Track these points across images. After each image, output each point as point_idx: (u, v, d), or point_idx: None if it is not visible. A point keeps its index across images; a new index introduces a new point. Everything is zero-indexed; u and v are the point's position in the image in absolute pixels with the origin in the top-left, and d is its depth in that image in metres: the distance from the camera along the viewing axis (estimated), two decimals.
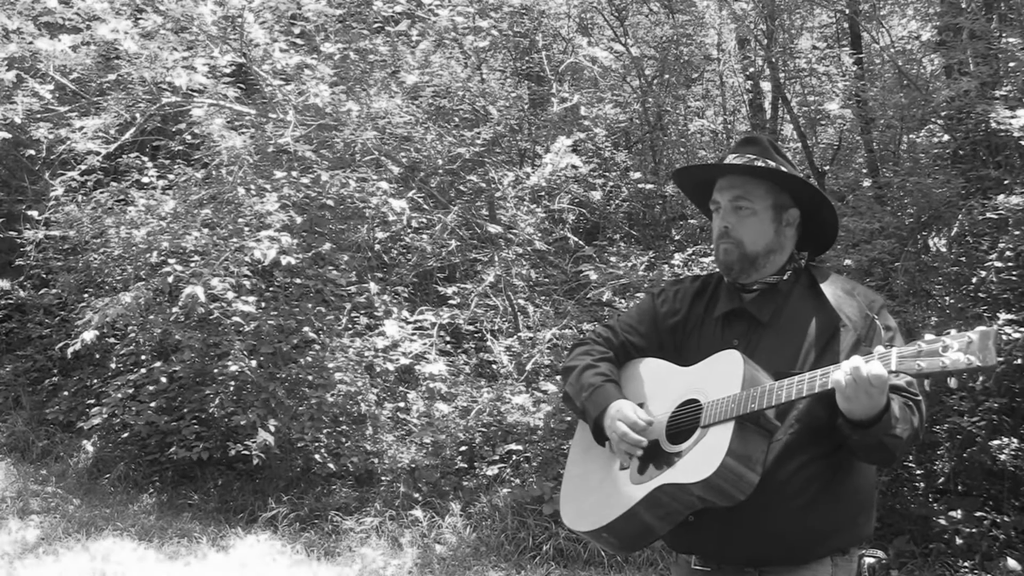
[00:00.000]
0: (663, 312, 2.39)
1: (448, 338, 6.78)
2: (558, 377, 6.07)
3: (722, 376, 2.11)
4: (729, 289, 2.30)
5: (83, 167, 6.33)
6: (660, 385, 2.28)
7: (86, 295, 6.92)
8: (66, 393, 7.45)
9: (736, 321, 2.26)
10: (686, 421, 2.16)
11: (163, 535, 5.62)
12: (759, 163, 2.21)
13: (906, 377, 1.96)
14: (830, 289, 2.21)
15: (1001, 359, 1.92)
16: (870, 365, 1.89)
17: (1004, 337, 4.88)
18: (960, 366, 1.82)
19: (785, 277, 2.25)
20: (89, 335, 5.87)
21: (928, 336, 1.89)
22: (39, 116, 6.26)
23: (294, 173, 6.21)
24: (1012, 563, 4.61)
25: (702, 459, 2.05)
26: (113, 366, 6.92)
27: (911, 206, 5.60)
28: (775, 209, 2.22)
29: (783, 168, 2.22)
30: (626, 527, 2.19)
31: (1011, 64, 5.51)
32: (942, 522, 4.89)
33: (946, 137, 6.12)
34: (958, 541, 4.82)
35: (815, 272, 2.27)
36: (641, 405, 2.28)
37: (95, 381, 7.02)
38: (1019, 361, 4.91)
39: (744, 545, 2.13)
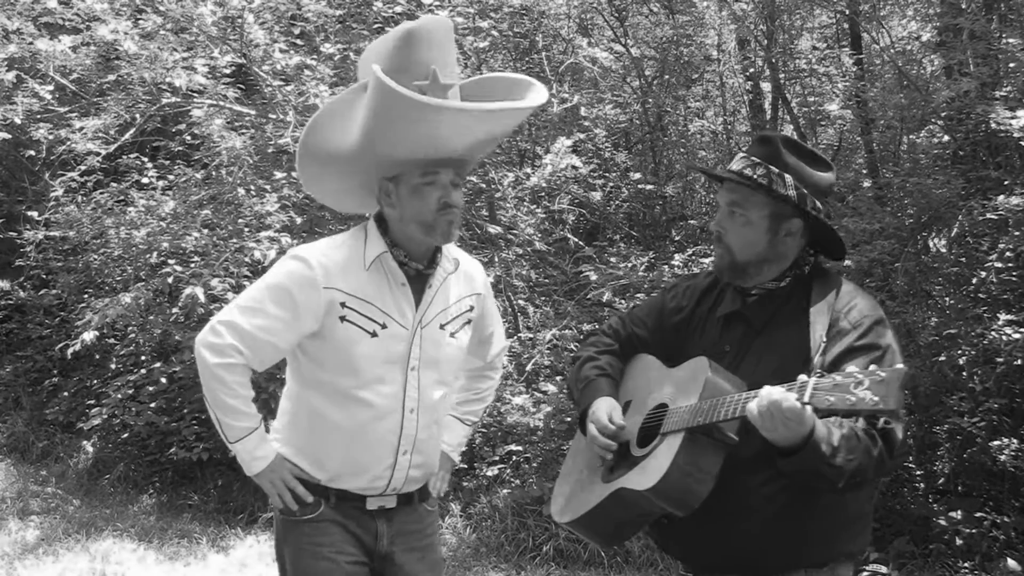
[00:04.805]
0: (670, 308, 2.36)
1: None
2: (558, 378, 6.08)
3: (688, 383, 2.11)
4: (734, 290, 2.25)
5: (83, 168, 6.34)
6: (648, 384, 2.29)
7: (86, 296, 6.92)
8: (66, 394, 7.45)
9: (735, 324, 2.22)
10: (655, 426, 2.15)
11: (163, 536, 5.62)
12: (760, 169, 2.13)
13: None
14: (820, 301, 2.11)
15: (904, 404, 1.79)
16: (784, 396, 1.83)
17: (1004, 338, 4.89)
18: (864, 406, 1.74)
19: (783, 284, 2.19)
20: (89, 336, 5.88)
21: (850, 368, 1.82)
22: (39, 117, 6.27)
23: (294, 174, 6.21)
24: (1012, 564, 4.60)
25: (653, 467, 2.05)
26: (113, 367, 6.92)
27: (911, 207, 5.60)
28: (772, 219, 2.14)
29: (787, 176, 2.12)
30: (595, 523, 2.22)
31: (1011, 65, 5.51)
32: (942, 523, 4.88)
33: (946, 138, 6.11)
34: (958, 542, 4.81)
35: (818, 281, 2.17)
36: (629, 403, 2.28)
37: (95, 382, 7.01)
38: (1019, 362, 4.91)
39: (713, 552, 2.13)
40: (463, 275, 2.50)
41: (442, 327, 2.41)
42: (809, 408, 1.81)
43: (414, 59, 2.23)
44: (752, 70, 7.87)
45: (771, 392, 1.85)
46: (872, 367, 1.79)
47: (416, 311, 2.36)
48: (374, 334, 2.31)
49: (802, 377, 1.84)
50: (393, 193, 2.32)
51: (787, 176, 2.12)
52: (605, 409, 2.23)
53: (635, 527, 2.21)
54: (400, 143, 2.23)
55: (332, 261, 2.32)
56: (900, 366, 1.77)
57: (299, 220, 6.15)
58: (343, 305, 2.29)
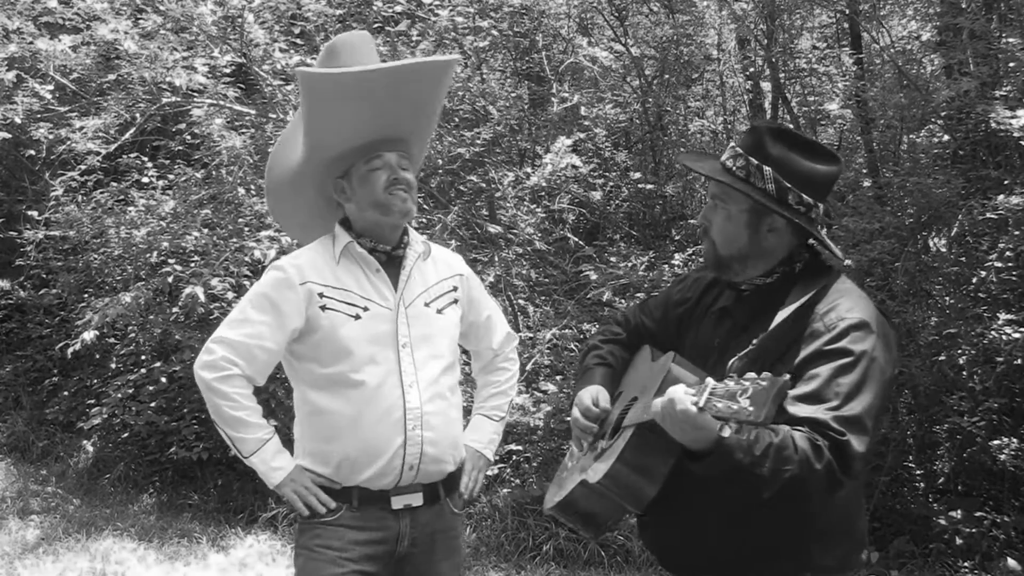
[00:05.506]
0: (675, 300, 2.33)
1: None
2: (558, 377, 6.08)
3: (653, 377, 2.09)
4: (729, 285, 2.19)
5: (83, 167, 6.35)
6: (637, 377, 2.29)
7: (86, 295, 6.92)
8: (66, 393, 7.46)
9: (727, 319, 2.16)
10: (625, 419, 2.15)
11: (163, 535, 5.62)
12: (740, 161, 2.04)
13: (831, 412, 1.80)
14: (794, 302, 2.00)
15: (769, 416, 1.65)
16: (681, 398, 1.75)
17: (1004, 337, 4.89)
18: (742, 416, 1.63)
19: (770, 280, 2.09)
20: (89, 335, 5.88)
21: (750, 374, 1.69)
22: (39, 116, 6.27)
23: None
24: (1012, 563, 4.61)
25: (604, 461, 2.04)
26: (113, 366, 6.92)
27: (911, 206, 5.59)
28: (751, 214, 2.04)
29: (765, 169, 2.01)
30: (569, 512, 2.21)
31: (1011, 64, 5.50)
32: (942, 522, 4.89)
33: (946, 137, 6.11)
34: (958, 541, 4.82)
35: (804, 279, 2.05)
36: (620, 393, 2.27)
37: (95, 381, 7.02)
38: (1019, 361, 4.91)
39: (679, 553, 2.13)
40: (440, 261, 2.60)
41: (427, 305, 2.50)
42: (708, 413, 1.71)
43: (336, 64, 2.41)
44: (752, 70, 7.86)
45: (673, 392, 1.78)
46: (766, 374, 1.67)
47: (396, 292, 2.45)
48: (357, 316, 2.39)
49: (709, 380, 1.75)
50: (347, 188, 2.47)
51: (766, 169, 2.01)
52: (590, 394, 2.23)
53: (607, 518, 2.18)
54: (334, 130, 2.37)
55: (304, 260, 2.45)
56: (785, 377, 1.65)
57: None
58: (321, 295, 2.39)
